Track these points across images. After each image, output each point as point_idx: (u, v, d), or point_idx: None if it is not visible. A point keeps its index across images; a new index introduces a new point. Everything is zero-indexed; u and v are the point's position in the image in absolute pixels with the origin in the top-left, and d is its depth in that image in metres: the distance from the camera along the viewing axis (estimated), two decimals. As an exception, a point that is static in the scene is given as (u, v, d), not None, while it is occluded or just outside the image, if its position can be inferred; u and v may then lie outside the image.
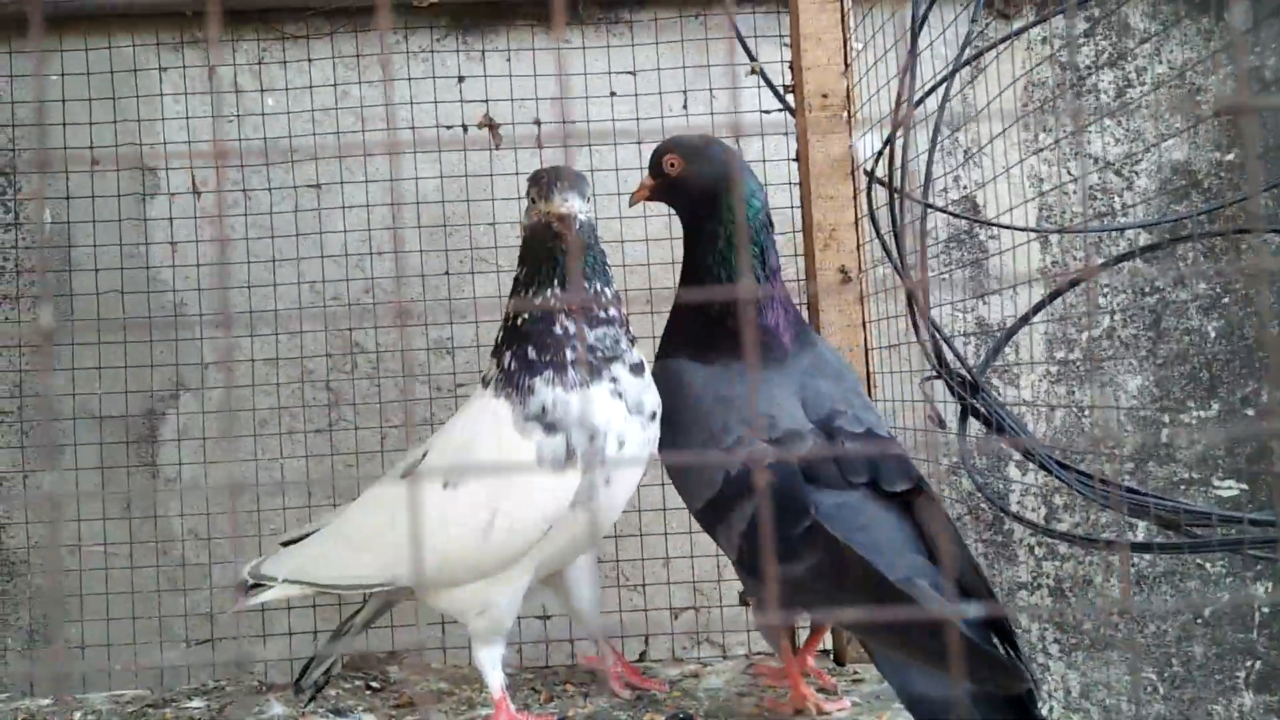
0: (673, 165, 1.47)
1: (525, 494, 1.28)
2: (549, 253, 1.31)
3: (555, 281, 1.31)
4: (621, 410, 1.30)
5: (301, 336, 2.00)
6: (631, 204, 1.59)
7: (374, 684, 1.71)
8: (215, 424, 2.00)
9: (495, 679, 1.39)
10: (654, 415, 1.34)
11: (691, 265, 1.46)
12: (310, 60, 2.03)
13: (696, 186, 1.45)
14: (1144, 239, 2.12)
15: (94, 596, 1.92)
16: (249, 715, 1.59)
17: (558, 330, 1.30)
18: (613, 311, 1.34)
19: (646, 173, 1.53)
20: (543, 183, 1.32)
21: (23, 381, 2.00)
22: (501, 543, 1.27)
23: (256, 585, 1.47)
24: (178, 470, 2.03)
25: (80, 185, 1.98)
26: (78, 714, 1.65)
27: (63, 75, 1.95)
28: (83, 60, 1.97)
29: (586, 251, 1.32)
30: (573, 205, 1.29)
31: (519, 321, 1.33)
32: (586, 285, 1.32)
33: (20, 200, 2.03)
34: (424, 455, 1.40)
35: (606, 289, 1.35)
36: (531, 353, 1.31)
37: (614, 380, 1.30)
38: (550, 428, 1.27)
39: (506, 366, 1.33)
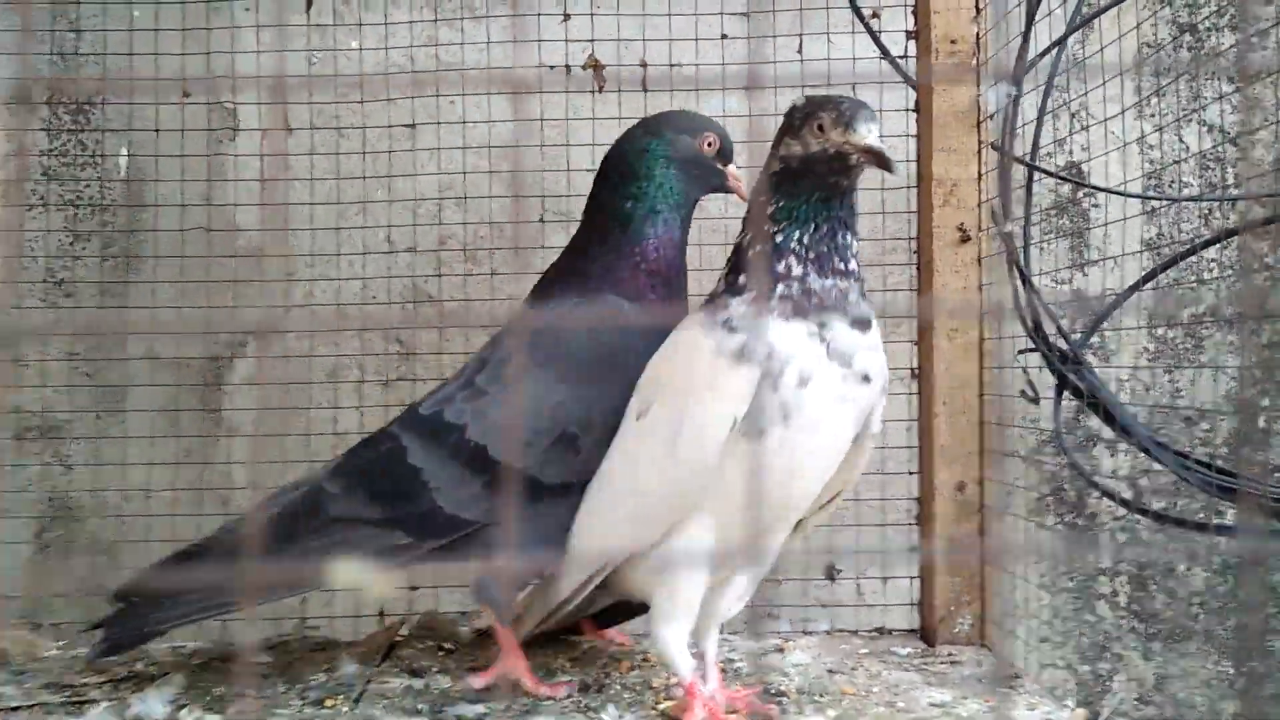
0: None
1: (708, 391, 1.21)
2: (826, 189, 1.20)
3: (816, 220, 1.21)
4: (819, 352, 1.19)
5: (368, 283, 1.92)
6: None
7: (446, 645, 1.64)
8: (281, 371, 1.93)
9: (683, 664, 1.30)
10: (867, 378, 1.22)
11: None
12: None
13: None
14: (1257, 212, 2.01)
15: (158, 544, 1.83)
16: (320, 671, 1.52)
17: (780, 267, 1.21)
18: (852, 265, 1.23)
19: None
20: (842, 109, 1.18)
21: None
22: (688, 452, 1.21)
23: None
24: (241, 418, 1.96)
25: (164, 119, 1.89)
26: (140, 664, 1.59)
27: (158, 3, 1.85)
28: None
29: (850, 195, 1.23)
30: (877, 138, 1.18)
31: (750, 253, 1.24)
32: (845, 232, 1.22)
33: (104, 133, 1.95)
34: None
35: (855, 241, 1.24)
36: (742, 279, 1.25)
37: (821, 325, 1.20)
38: (731, 329, 1.22)
39: (716, 290, 1.29)
